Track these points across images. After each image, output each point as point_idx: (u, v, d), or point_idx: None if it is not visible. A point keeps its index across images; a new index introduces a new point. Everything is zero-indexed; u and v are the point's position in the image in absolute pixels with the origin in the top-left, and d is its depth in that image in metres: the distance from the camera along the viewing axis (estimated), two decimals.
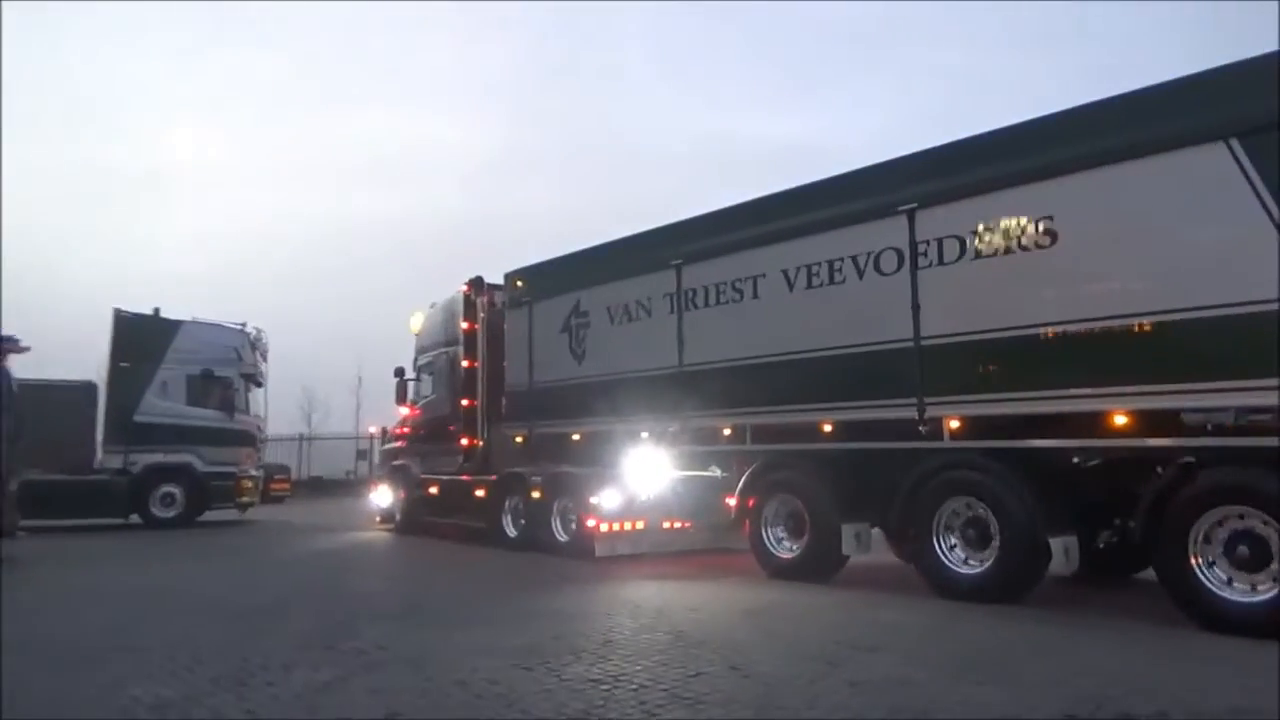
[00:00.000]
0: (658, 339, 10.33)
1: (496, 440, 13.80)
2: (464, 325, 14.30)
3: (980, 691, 4.49)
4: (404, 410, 16.23)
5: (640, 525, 10.89)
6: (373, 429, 19.23)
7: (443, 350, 14.99)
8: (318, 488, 30.96)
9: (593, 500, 10.95)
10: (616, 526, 10.82)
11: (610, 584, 8.74)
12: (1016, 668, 5.05)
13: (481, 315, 14.10)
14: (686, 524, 11.13)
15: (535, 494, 12.03)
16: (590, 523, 10.87)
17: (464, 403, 14.17)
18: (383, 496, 16.74)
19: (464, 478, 13.96)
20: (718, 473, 10.45)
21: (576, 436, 11.87)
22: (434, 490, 14.78)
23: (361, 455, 36.83)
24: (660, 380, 10.33)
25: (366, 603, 7.85)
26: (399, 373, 16.13)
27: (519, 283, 13.07)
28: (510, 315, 13.25)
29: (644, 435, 10.75)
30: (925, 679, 4.72)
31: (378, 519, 16.92)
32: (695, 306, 10.05)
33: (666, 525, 11.07)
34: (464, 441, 14.15)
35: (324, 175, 68.26)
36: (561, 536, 11.61)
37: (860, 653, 5.40)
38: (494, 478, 13.16)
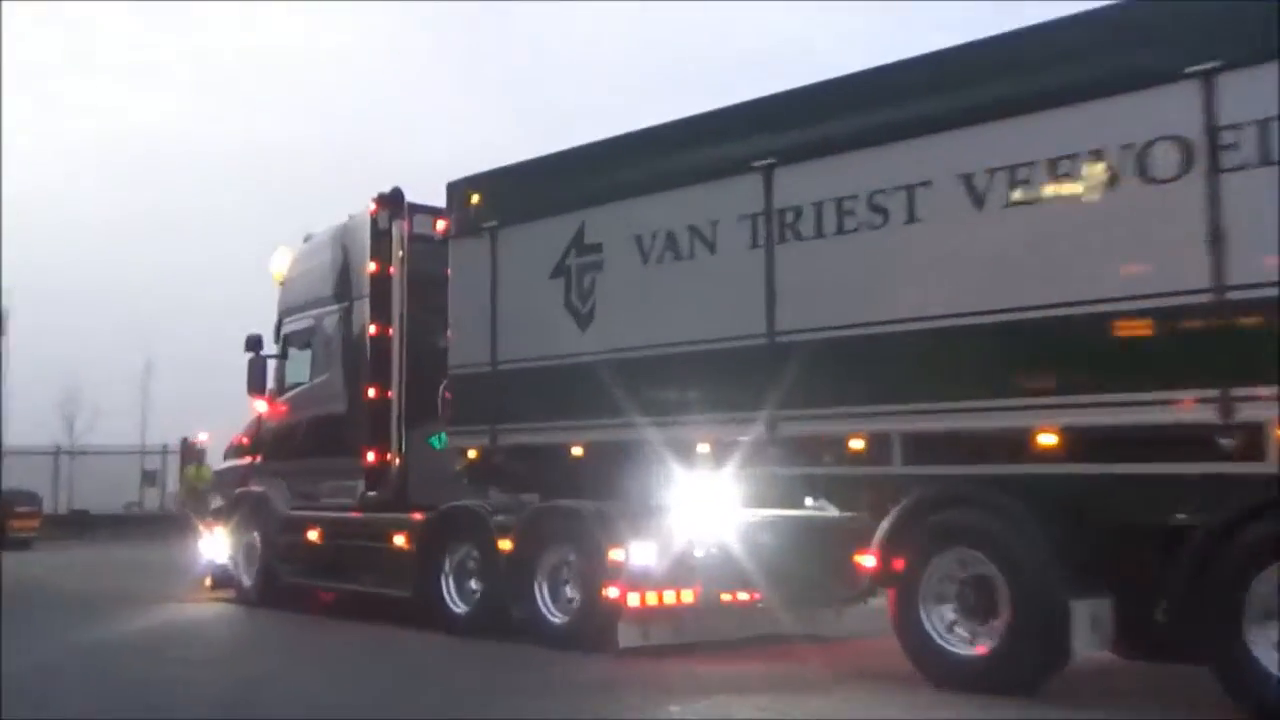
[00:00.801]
0: (727, 290, 9.86)
1: (422, 454, 13.16)
2: (370, 268, 13.46)
3: None
4: (260, 405, 15.08)
5: (691, 597, 10.30)
6: (202, 436, 17.99)
7: (329, 310, 14.21)
8: (83, 526, 29.76)
9: (614, 555, 10.22)
10: (653, 599, 10.16)
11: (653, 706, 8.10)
12: None
13: (399, 253, 13.32)
14: (762, 597, 10.54)
15: (504, 543, 11.28)
16: (610, 592, 10.15)
17: (368, 393, 13.36)
18: (218, 545, 15.81)
19: (367, 515, 13.27)
20: (830, 511, 9.68)
21: (578, 449, 11.16)
22: (314, 535, 13.93)
23: (151, 478, 35.57)
24: (731, 358, 9.79)
25: None
26: (253, 345, 15.08)
27: (474, 198, 12.15)
28: (457, 251, 12.45)
29: (700, 448, 10.08)
30: None
31: (208, 581, 16.03)
32: (798, 235, 9.37)
33: (729, 597, 10.50)
34: (369, 456, 13.31)
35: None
36: (554, 615, 10.87)
37: None
38: (423, 516, 12.39)
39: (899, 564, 8.65)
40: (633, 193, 10.60)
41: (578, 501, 10.92)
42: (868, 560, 8.83)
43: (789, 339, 9.31)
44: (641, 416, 10.25)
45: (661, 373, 10.29)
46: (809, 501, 10.16)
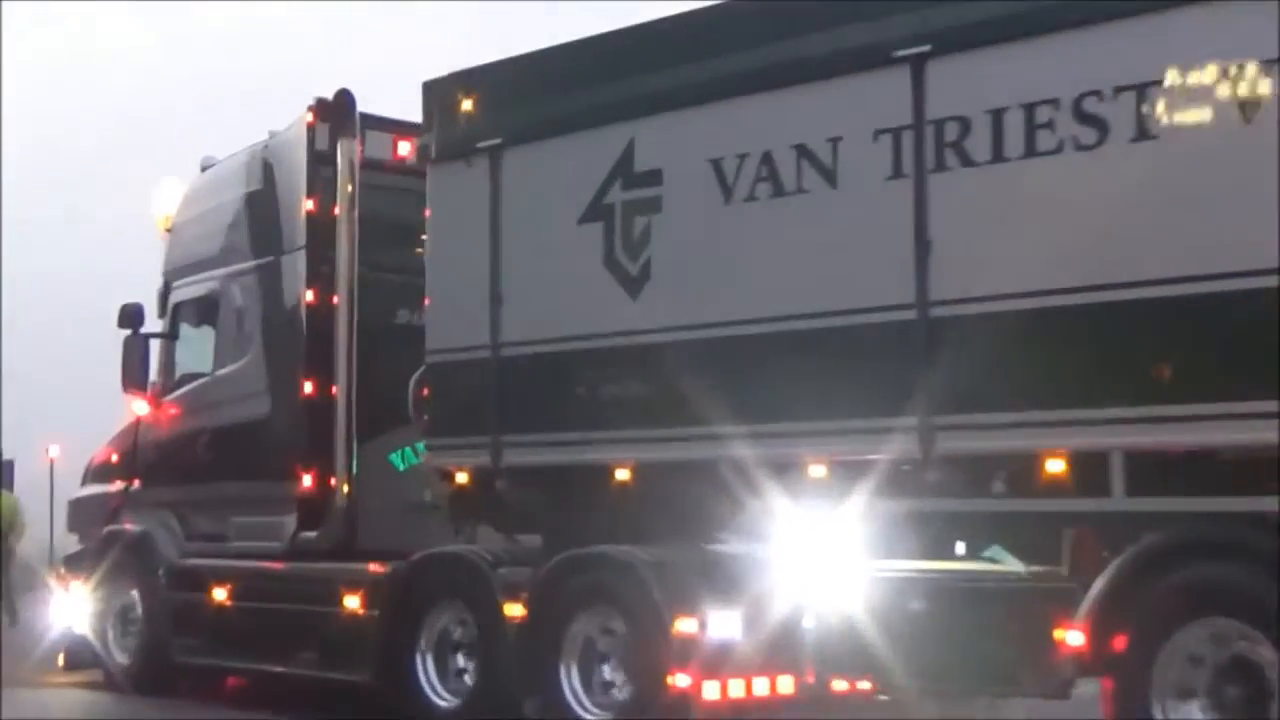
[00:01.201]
0: (854, 240, 9.60)
1: (379, 478, 13.08)
2: (305, 206, 13.21)
3: None
4: (139, 405, 14.76)
5: (791, 687, 10.12)
6: (52, 450, 17.39)
7: (243, 268, 14.06)
8: None
9: (683, 625, 9.99)
10: (739, 689, 9.95)
11: None
12: None
13: (348, 187, 13.09)
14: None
15: (513, 607, 11.02)
16: (678, 679, 9.87)
17: (304, 388, 13.17)
18: (75, 608, 15.42)
19: (302, 566, 13.06)
20: (1009, 564, 9.40)
21: (623, 471, 10.84)
22: (221, 595, 13.73)
23: None
24: (862, 340, 9.53)
25: None
26: (130, 319, 14.75)
27: (466, 103, 11.82)
28: (440, 182, 12.19)
29: (813, 471, 9.75)
30: None
31: (61, 659, 15.67)
32: (965, 160, 9.01)
33: (845, 686, 10.24)
34: (304, 480, 13.12)
35: None
36: (588, 710, 10.63)
37: None
38: (388, 567, 12.16)
39: (1120, 642, 8.35)
40: (710, 96, 10.25)
41: (626, 548, 10.61)
42: (1073, 637, 8.49)
43: (949, 312, 9.03)
44: (721, 424, 9.91)
45: (753, 361, 9.99)
46: (984, 551, 9.70)
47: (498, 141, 11.44)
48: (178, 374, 14.76)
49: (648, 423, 10.52)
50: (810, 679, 9.96)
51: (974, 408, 8.91)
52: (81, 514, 16.09)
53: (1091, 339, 8.50)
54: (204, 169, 14.87)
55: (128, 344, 14.63)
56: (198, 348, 14.65)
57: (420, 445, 13.00)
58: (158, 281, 14.99)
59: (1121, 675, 8.32)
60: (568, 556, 10.92)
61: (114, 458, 15.65)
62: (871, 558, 9.73)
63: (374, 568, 12.25)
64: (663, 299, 10.45)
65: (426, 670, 11.72)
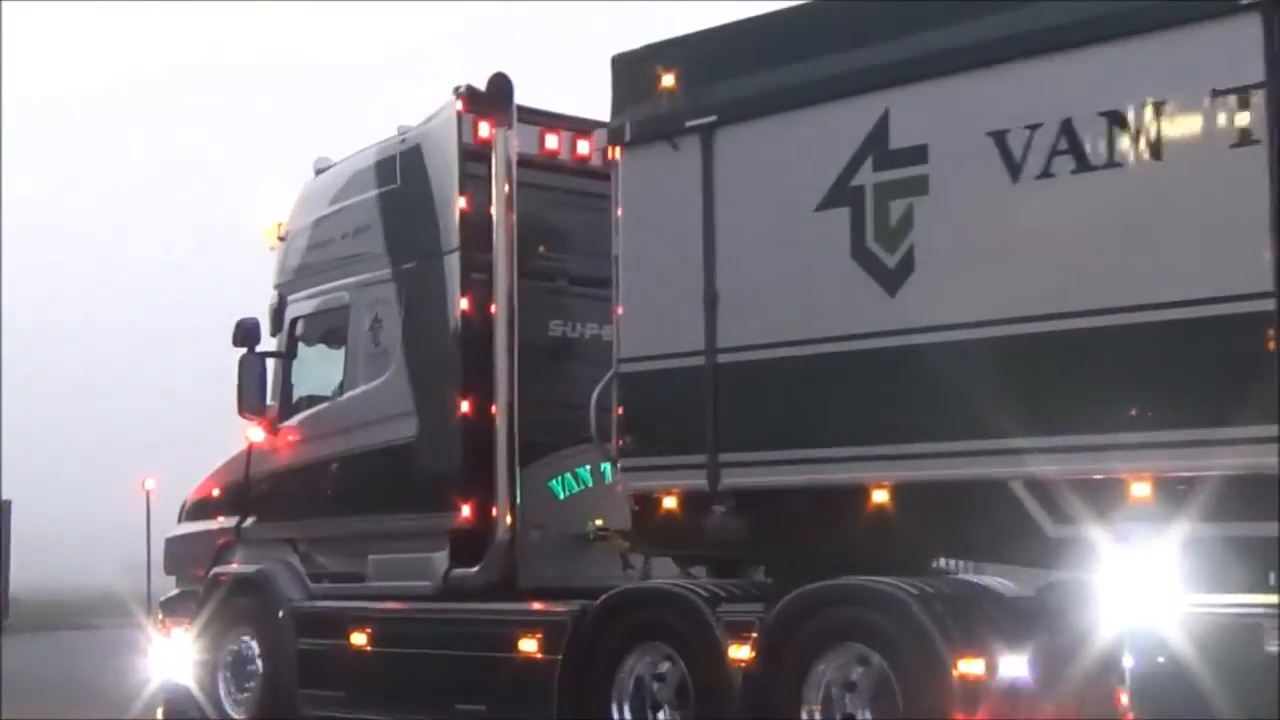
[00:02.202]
0: (1188, 221, 8.26)
1: (541, 508, 11.79)
2: (458, 205, 11.79)
3: None
4: (254, 431, 13.41)
5: None
6: (149, 483, 15.90)
7: (378, 277, 12.70)
8: None
9: (968, 668, 8.70)
10: None
11: None
12: None
13: (505, 186, 11.64)
14: None
15: (738, 650, 9.72)
16: None
17: (461, 408, 11.75)
18: (176, 657, 13.95)
19: (466, 608, 11.72)
20: None
21: (882, 493, 9.49)
22: (360, 639, 12.29)
23: None
24: (1200, 334, 8.15)
25: None
26: (246, 337, 13.39)
27: (668, 76, 10.48)
28: (637, 170, 10.78)
29: (1135, 490, 8.38)
30: None
31: (160, 713, 14.38)
32: None
33: None
34: (463, 510, 11.73)
35: None
36: None
37: None
38: (573, 607, 10.79)
39: None
40: (990, 58, 8.93)
41: (888, 580, 9.27)
42: None
43: None
44: (1012, 437, 8.62)
45: (1053, 363, 8.70)
46: None
47: (711, 120, 10.13)
48: (296, 397, 13.41)
49: (913, 437, 9.16)
50: None
51: None
52: (180, 553, 14.68)
53: None
54: (319, 172, 13.49)
55: (244, 363, 13.27)
56: (319, 367, 13.38)
57: (583, 471, 11.95)
58: (269, 296, 13.62)
59: None
60: (814, 589, 9.55)
61: (216, 491, 14.33)
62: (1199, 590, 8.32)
63: (554, 607, 10.97)
64: (929, 296, 9.14)
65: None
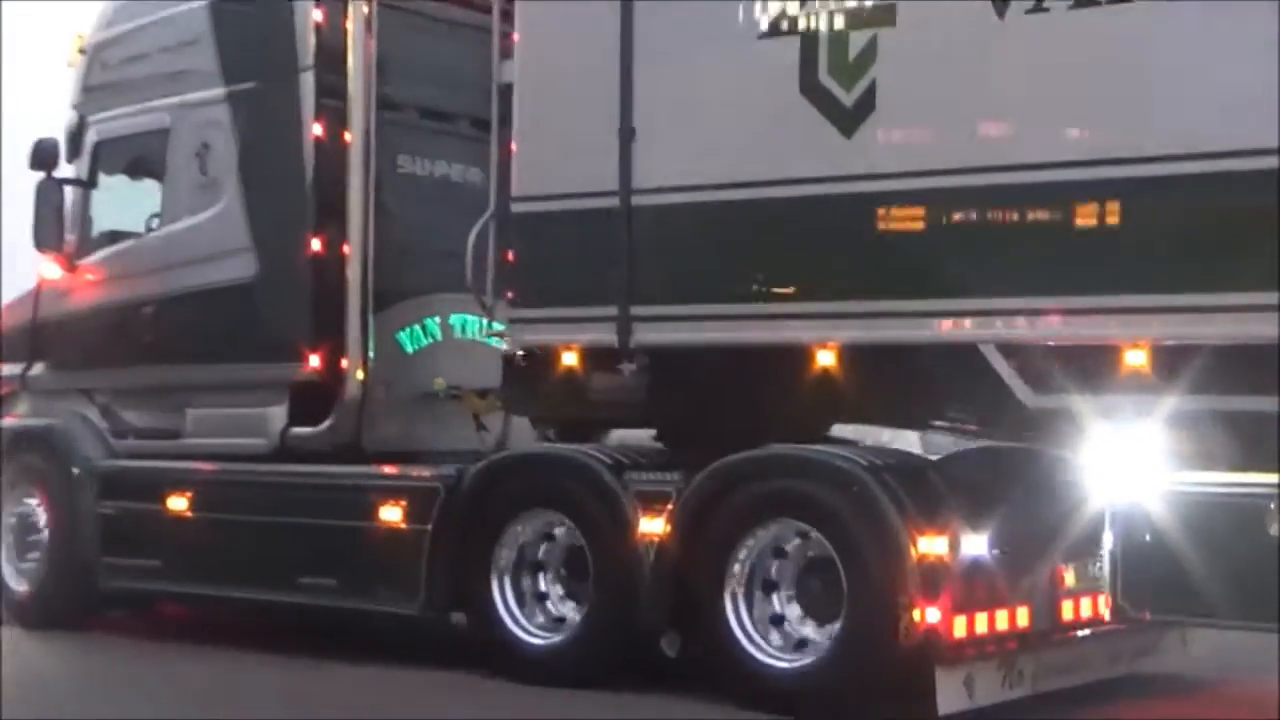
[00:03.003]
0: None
1: (381, 363, 10.51)
2: (314, 17, 10.37)
3: None
4: (49, 267, 11.80)
5: (1025, 618, 8.31)
6: None
7: (209, 98, 11.03)
8: None
9: (928, 546, 7.92)
10: (982, 624, 8.08)
11: None
12: None
13: (365, 4, 10.34)
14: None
15: (650, 523, 8.76)
16: (929, 614, 7.84)
17: (311, 246, 10.43)
18: None
19: (315, 469, 10.45)
20: None
21: (828, 355, 8.46)
22: (179, 504, 10.83)
23: None
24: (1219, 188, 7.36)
25: None
26: (45, 158, 11.59)
27: None
28: None
29: (1131, 358, 7.54)
30: None
31: None
32: None
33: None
34: (310, 360, 10.40)
35: None
36: (771, 654, 8.42)
37: None
38: (448, 473, 9.65)
39: None
40: None
41: (836, 449, 8.56)
42: None
43: None
44: (985, 298, 7.89)
45: (1036, 218, 7.76)
46: None
47: None
48: (96, 231, 11.73)
49: (869, 294, 8.23)
50: (1108, 614, 7.98)
51: None
52: None
53: None
54: None
55: (41, 190, 11.49)
56: (126, 199, 11.76)
57: (432, 323, 10.79)
58: (67, 117, 11.74)
59: None
60: (741, 459, 8.62)
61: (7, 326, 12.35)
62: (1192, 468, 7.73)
63: (422, 472, 9.82)
64: (894, 138, 8.23)
65: (505, 599, 9.30)
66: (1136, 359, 7.47)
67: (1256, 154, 7.02)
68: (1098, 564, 8.69)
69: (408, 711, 8.74)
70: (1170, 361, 7.46)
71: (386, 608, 9.70)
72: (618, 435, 10.40)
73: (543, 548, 9.23)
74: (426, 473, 9.72)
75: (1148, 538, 7.48)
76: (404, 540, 9.55)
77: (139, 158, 11.41)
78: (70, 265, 11.50)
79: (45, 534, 11.37)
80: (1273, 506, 7.20)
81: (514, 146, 9.41)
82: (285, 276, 10.35)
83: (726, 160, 8.62)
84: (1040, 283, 7.71)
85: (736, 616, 8.31)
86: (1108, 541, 7.67)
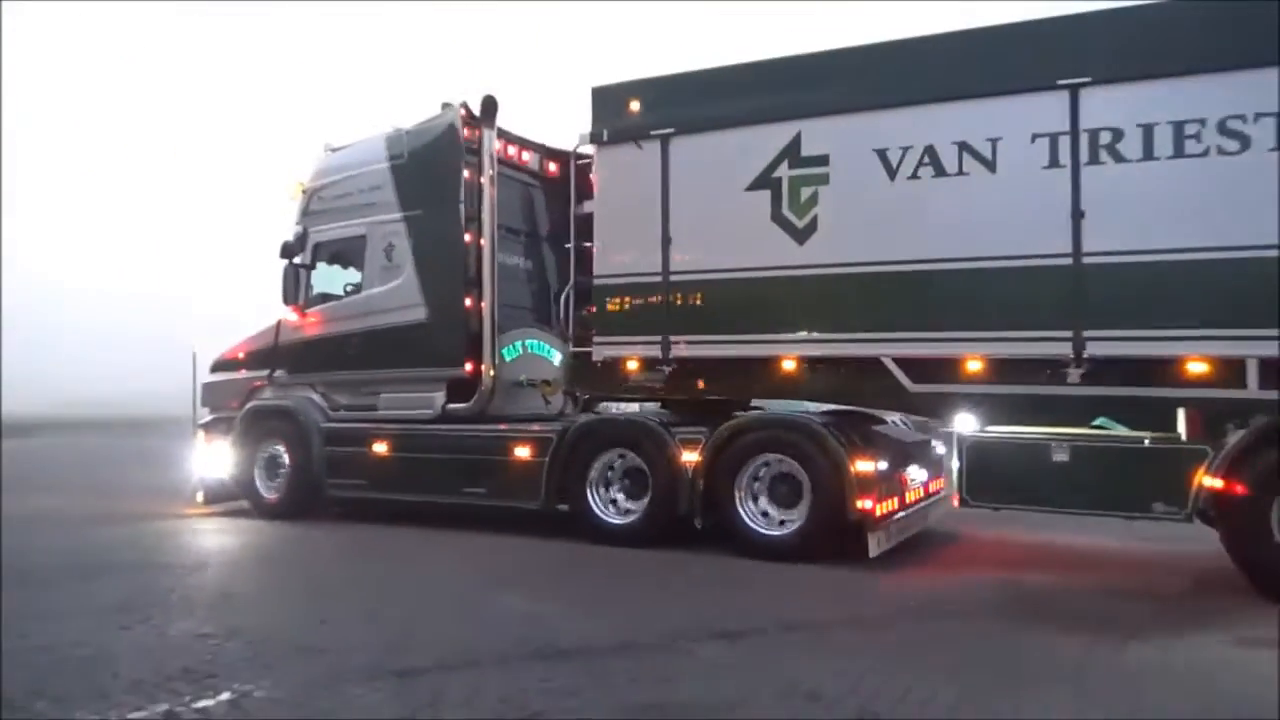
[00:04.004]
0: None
1: (500, 365, 9.69)
2: (464, 174, 9.62)
3: None
4: (289, 314, 10.75)
5: (897, 503, 8.14)
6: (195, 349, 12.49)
7: (390, 218, 10.05)
8: None
9: (861, 466, 7.66)
10: (885, 508, 7.88)
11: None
12: None
13: (489, 170, 9.55)
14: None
15: (689, 454, 8.32)
16: (863, 503, 7.60)
17: (465, 302, 9.61)
18: (214, 460, 11.14)
19: (480, 427, 9.53)
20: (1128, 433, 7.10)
21: (790, 363, 8.10)
22: (381, 448, 9.92)
23: None
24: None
25: None
26: (289, 251, 10.62)
27: (635, 102, 8.66)
28: (611, 158, 8.82)
29: (970, 366, 7.39)
30: None
31: (200, 496, 11.28)
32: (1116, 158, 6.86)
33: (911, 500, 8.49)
34: (467, 365, 9.61)
35: None
36: (764, 527, 8.04)
37: None
38: (559, 428, 9.10)
39: (1240, 489, 6.47)
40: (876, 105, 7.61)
41: (802, 412, 8.17)
42: (1209, 481, 6.54)
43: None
44: (888, 331, 7.55)
45: (908, 289, 7.46)
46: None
47: (670, 130, 8.37)
48: (313, 293, 10.63)
49: (814, 328, 7.85)
50: (955, 503, 7.63)
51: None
52: (215, 393, 11.50)
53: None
54: (332, 150, 10.77)
55: (287, 271, 10.48)
56: (329, 275, 10.67)
57: (517, 344, 9.94)
58: (293, 229, 10.65)
59: (1240, 512, 6.48)
60: (747, 418, 8.29)
61: (245, 353, 11.24)
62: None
63: (544, 427, 9.17)
64: (828, 245, 7.73)
65: (596, 499, 8.72)
66: (976, 367, 7.25)
67: None
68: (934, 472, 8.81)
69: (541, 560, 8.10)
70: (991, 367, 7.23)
71: (518, 504, 9.02)
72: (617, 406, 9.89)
73: (617, 468, 8.66)
74: (545, 428, 9.08)
75: (979, 458, 7.37)
76: (531, 466, 8.90)
77: (343, 251, 10.45)
78: (302, 312, 10.62)
79: (288, 466, 10.37)
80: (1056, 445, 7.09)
81: (595, 246, 8.75)
82: (447, 320, 9.49)
83: (726, 257, 8.10)
84: (912, 323, 7.39)
85: (741, 507, 7.94)
86: (955, 460, 7.44)
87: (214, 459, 11.07)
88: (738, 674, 4.81)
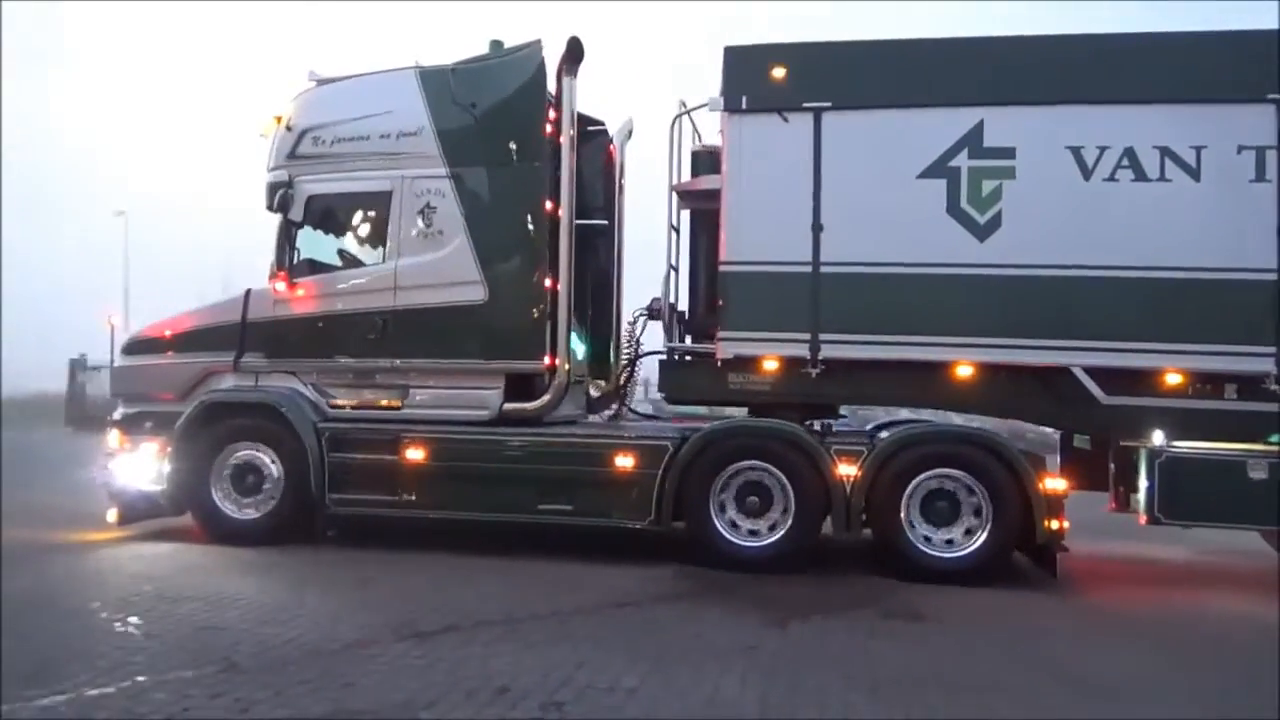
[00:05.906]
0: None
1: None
2: (546, 129, 8.26)
3: None
4: (278, 284, 8.68)
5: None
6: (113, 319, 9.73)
7: (431, 174, 8.37)
8: None
9: (1051, 484, 7.37)
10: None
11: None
12: None
13: (570, 129, 8.26)
14: None
15: (844, 468, 7.54)
16: (1054, 524, 7.27)
17: (543, 284, 8.24)
18: (141, 466, 8.75)
19: (579, 437, 8.27)
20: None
21: (967, 369, 7.62)
22: (417, 455, 8.18)
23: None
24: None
25: None
26: (284, 204, 8.52)
27: (779, 69, 7.75)
28: (745, 127, 7.84)
29: (1169, 379, 7.29)
30: None
31: (114, 515, 8.84)
32: None
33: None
34: (544, 359, 8.23)
35: None
36: (933, 549, 7.49)
37: None
38: (675, 435, 7.90)
39: None
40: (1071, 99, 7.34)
41: (973, 426, 7.92)
42: None
43: None
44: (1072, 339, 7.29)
45: (1094, 294, 7.26)
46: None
47: (826, 104, 7.60)
48: (296, 259, 8.66)
49: (994, 334, 7.42)
50: (1143, 521, 7.31)
51: None
52: (131, 380, 9.11)
53: None
54: (320, 82, 8.83)
55: (283, 228, 8.55)
56: (322, 238, 8.79)
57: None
58: (271, 175, 8.57)
59: None
60: (925, 429, 7.78)
61: (169, 332, 8.94)
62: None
63: (657, 434, 7.97)
64: (1011, 245, 7.35)
65: (721, 517, 7.70)
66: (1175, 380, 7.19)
67: None
68: None
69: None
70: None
71: (618, 523, 7.75)
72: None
73: (732, 484, 7.63)
74: (658, 436, 7.87)
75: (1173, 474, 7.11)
76: (637, 478, 7.66)
77: (355, 209, 8.61)
78: (290, 283, 8.55)
79: (277, 476, 8.30)
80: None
81: (725, 228, 7.70)
82: (516, 303, 8.03)
83: (891, 249, 7.47)
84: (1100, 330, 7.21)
85: (908, 529, 7.32)
86: (1144, 477, 7.15)
87: (134, 466, 8.73)
88: None
